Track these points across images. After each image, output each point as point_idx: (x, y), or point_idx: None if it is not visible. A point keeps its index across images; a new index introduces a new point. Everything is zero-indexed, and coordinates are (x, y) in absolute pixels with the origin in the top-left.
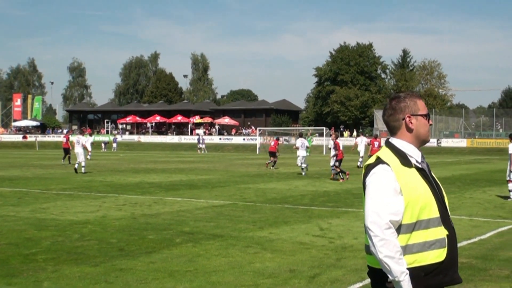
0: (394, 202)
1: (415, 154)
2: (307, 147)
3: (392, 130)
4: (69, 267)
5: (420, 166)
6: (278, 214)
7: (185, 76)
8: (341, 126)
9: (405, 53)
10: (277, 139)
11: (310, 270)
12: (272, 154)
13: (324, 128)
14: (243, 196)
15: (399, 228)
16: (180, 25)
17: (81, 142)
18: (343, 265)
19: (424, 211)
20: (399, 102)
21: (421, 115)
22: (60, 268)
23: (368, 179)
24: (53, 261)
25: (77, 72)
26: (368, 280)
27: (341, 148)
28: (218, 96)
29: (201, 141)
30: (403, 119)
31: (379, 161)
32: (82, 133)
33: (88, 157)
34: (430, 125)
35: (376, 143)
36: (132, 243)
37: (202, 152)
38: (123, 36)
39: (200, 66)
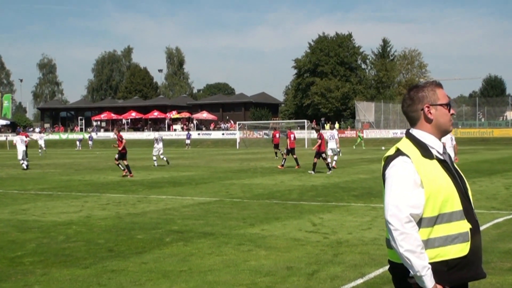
0: (415, 195)
1: (436, 145)
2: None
3: (412, 121)
4: (58, 269)
5: (441, 157)
6: (268, 210)
7: (160, 70)
8: (322, 119)
9: (385, 43)
10: (290, 130)
11: (307, 267)
12: (292, 150)
13: (305, 121)
14: (229, 193)
15: (420, 222)
16: (152, 18)
17: (19, 140)
18: (341, 261)
19: (446, 204)
20: (418, 91)
21: (440, 105)
22: (49, 271)
23: (387, 172)
24: (41, 264)
25: (47, 68)
26: (368, 276)
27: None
28: (195, 91)
29: (189, 136)
30: (422, 109)
31: (398, 152)
32: (19, 133)
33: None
34: (452, 114)
35: (292, 136)
36: (121, 244)
37: (187, 148)
38: (95, 31)
39: (175, 60)
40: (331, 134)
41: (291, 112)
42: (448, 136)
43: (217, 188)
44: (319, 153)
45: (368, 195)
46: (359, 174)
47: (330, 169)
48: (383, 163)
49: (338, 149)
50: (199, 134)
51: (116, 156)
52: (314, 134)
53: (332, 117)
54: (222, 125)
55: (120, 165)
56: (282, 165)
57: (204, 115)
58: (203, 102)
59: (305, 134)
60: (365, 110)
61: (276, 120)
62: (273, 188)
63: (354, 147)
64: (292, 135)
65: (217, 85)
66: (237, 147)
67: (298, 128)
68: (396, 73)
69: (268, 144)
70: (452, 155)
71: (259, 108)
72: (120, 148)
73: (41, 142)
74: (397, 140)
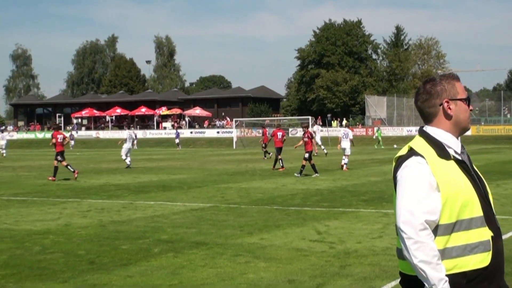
0: (430, 199)
1: (453, 144)
2: (350, 140)
3: (427, 118)
4: (33, 284)
5: (459, 157)
6: (268, 217)
7: (148, 62)
8: (328, 115)
9: (398, 30)
10: (278, 128)
11: (311, 280)
12: (278, 150)
13: (310, 117)
14: (224, 198)
15: (436, 229)
16: (140, 4)
17: None
18: (348, 273)
19: (465, 210)
20: (435, 85)
21: (460, 100)
22: (23, 286)
23: (399, 173)
24: (13, 277)
25: (22, 60)
26: None
27: (311, 138)
28: (187, 84)
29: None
30: (441, 104)
31: (412, 152)
32: None
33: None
34: (471, 110)
35: (279, 134)
36: (103, 255)
37: (179, 148)
38: (75, 18)
39: (165, 51)
40: (345, 133)
41: (294, 108)
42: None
43: (212, 193)
44: (309, 153)
45: (379, 200)
46: (369, 176)
47: (316, 171)
48: (394, 164)
49: (348, 152)
50: (191, 132)
51: (58, 157)
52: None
53: (339, 113)
54: (217, 123)
55: (69, 167)
56: (282, 166)
57: (197, 111)
58: (196, 97)
59: None
60: (376, 105)
61: (277, 116)
62: (273, 192)
63: (375, 146)
64: (279, 133)
65: (212, 78)
66: (234, 146)
67: (302, 126)
68: (410, 64)
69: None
70: None
71: (258, 104)
72: (57, 148)
73: (2, 143)
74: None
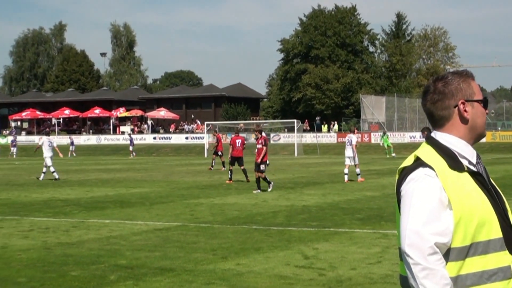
0: (441, 218)
1: (468, 154)
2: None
3: (438, 122)
4: None
5: (475, 169)
6: (245, 238)
7: (103, 54)
8: (317, 118)
9: (399, 19)
10: (236, 135)
11: None
12: (239, 160)
13: (295, 120)
14: (194, 216)
15: (448, 254)
16: None
17: None
18: None
19: (481, 230)
20: (449, 83)
21: (477, 101)
22: None
23: (404, 188)
24: None
25: None
26: None
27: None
28: (149, 81)
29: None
30: (455, 106)
31: (419, 163)
32: None
33: None
34: (487, 113)
35: (238, 141)
36: (49, 283)
37: (132, 156)
38: (15, 3)
39: (124, 41)
40: (349, 139)
41: (276, 110)
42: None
43: (179, 210)
44: (262, 163)
45: (378, 219)
46: (365, 190)
47: (269, 182)
48: (397, 176)
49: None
50: (155, 138)
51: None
52: (307, 139)
53: (330, 116)
54: (186, 127)
55: None
56: (230, 179)
57: (162, 113)
58: (160, 97)
59: (295, 138)
60: (373, 106)
61: (256, 119)
62: (252, 209)
63: (387, 155)
64: (238, 141)
65: (179, 74)
66: (205, 155)
67: (286, 130)
68: (414, 58)
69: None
70: None
71: (235, 104)
72: None
73: None
74: (416, 146)
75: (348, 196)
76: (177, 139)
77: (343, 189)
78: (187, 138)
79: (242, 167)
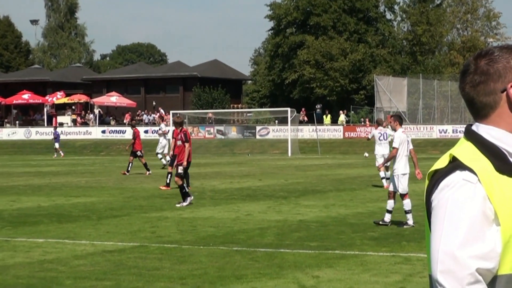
0: (485, 237)
1: None
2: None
3: (480, 111)
4: None
5: None
6: (224, 263)
7: (35, 22)
8: (317, 106)
9: None
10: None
11: None
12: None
13: (289, 109)
14: (156, 233)
15: (494, 283)
16: None
17: None
18: None
19: None
20: (495, 60)
21: None
22: None
23: (436, 197)
24: None
25: None
26: None
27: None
28: (97, 57)
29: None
30: (503, 90)
31: (456, 165)
32: None
33: None
34: None
35: (180, 139)
36: None
37: (56, 155)
38: None
39: (62, 4)
40: (381, 133)
41: (264, 95)
42: (402, 136)
43: (137, 225)
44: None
45: (397, 238)
46: (380, 201)
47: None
48: (427, 182)
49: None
50: (104, 132)
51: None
52: (304, 133)
53: (334, 104)
54: (145, 117)
55: None
56: (168, 185)
57: (114, 99)
58: (111, 77)
59: (288, 132)
60: (391, 91)
61: (238, 107)
62: (232, 225)
63: None
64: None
65: (136, 47)
66: (170, 153)
67: (276, 121)
68: (445, 28)
69: (223, 149)
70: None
71: (209, 88)
72: None
73: None
74: (447, 143)
75: (359, 209)
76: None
77: (351, 199)
78: (146, 132)
79: (170, 169)
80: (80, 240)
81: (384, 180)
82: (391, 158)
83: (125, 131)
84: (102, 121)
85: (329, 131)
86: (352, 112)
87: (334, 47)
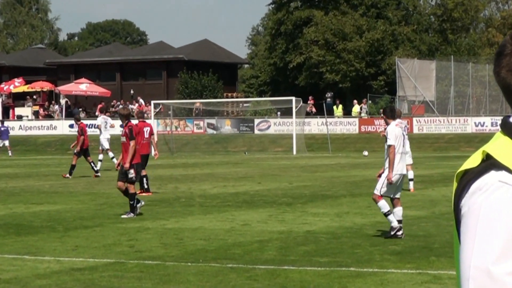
0: None
1: None
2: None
3: None
4: None
5: None
6: (216, 282)
7: None
8: (328, 94)
9: None
10: (142, 120)
11: None
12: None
13: (293, 99)
14: (135, 248)
15: None
16: None
17: None
18: None
19: None
20: None
21: None
22: None
23: (466, 203)
24: None
25: None
26: None
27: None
28: (63, 37)
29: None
30: None
31: (490, 164)
32: None
33: None
34: None
35: (146, 130)
36: None
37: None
38: None
39: None
40: (401, 126)
41: (264, 82)
42: (396, 129)
43: (111, 238)
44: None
45: (424, 252)
46: (404, 208)
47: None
48: (456, 184)
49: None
50: (72, 126)
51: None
52: (312, 127)
53: (347, 92)
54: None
55: None
56: (146, 190)
57: (83, 87)
58: (80, 61)
59: (293, 126)
60: (416, 76)
61: (233, 97)
62: (227, 237)
63: None
64: (147, 129)
65: (110, 25)
66: (152, 152)
67: (278, 113)
68: (482, 2)
69: (215, 147)
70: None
71: (198, 73)
72: None
73: None
74: (485, 138)
75: (378, 217)
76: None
77: (369, 206)
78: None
79: (143, 172)
80: (43, 256)
81: (411, 183)
82: (394, 160)
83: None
84: (70, 114)
85: (342, 124)
86: (370, 101)
87: (347, 24)
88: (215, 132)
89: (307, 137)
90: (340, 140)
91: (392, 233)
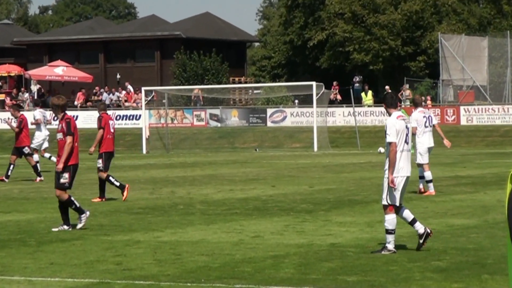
0: None
1: None
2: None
3: None
4: None
5: None
6: None
7: None
8: (356, 78)
9: None
10: (104, 112)
11: None
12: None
13: (314, 84)
14: (124, 265)
15: None
16: None
17: None
18: None
19: None
20: None
21: None
22: None
23: None
24: None
25: None
26: None
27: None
28: (34, 10)
29: None
30: None
31: None
32: None
33: None
34: None
35: (112, 124)
36: None
37: None
38: None
39: None
40: (426, 116)
41: (278, 63)
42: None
43: (95, 254)
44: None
45: (475, 269)
46: (448, 216)
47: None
48: (509, 187)
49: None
50: (45, 119)
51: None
52: (337, 118)
53: (380, 75)
54: (105, 96)
55: None
56: (102, 197)
57: (59, 70)
58: (55, 39)
59: (314, 117)
60: (464, 56)
61: (241, 81)
62: (234, 252)
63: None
64: (112, 123)
65: None
66: (144, 150)
67: (296, 102)
68: None
69: (219, 142)
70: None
71: (199, 54)
72: None
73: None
74: None
75: (406, 228)
76: (89, 119)
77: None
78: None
79: (105, 174)
80: (11, 276)
81: (430, 185)
82: (394, 160)
83: (77, 116)
84: (43, 103)
85: (373, 114)
86: (408, 86)
87: None
88: (219, 124)
89: (330, 130)
90: (370, 133)
91: (383, 252)
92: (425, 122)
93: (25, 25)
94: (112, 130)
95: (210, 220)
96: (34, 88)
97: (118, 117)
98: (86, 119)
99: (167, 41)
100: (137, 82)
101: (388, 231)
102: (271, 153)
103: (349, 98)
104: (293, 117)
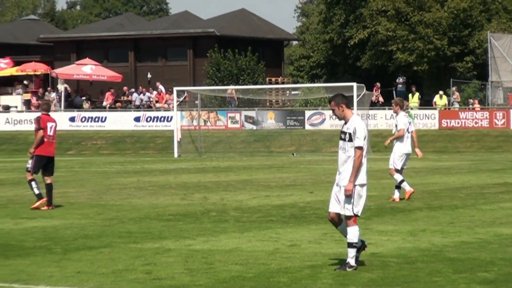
0: None
1: None
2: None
3: None
4: None
5: None
6: None
7: None
8: (399, 79)
9: None
10: (46, 114)
11: None
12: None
13: (355, 85)
14: (153, 274)
15: None
16: None
17: None
18: None
19: None
20: None
21: None
22: None
23: None
24: None
25: None
26: None
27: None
28: (61, 5)
29: None
30: None
31: None
32: None
33: None
34: None
35: (51, 127)
36: None
37: None
38: None
39: None
40: (409, 121)
41: (317, 63)
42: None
43: (123, 262)
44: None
45: None
46: (497, 225)
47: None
48: None
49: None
50: (72, 120)
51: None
52: (379, 121)
53: (425, 76)
54: (136, 96)
55: None
56: (49, 205)
57: (88, 69)
58: (83, 36)
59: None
60: None
61: (278, 82)
62: (269, 261)
63: None
64: (52, 125)
65: None
66: (175, 153)
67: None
68: None
69: (254, 146)
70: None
71: (234, 52)
72: None
73: None
74: None
75: (463, 236)
76: (118, 121)
77: (452, 223)
78: (138, 119)
79: (48, 181)
80: (36, 285)
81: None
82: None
83: (106, 118)
84: (71, 104)
85: (418, 118)
86: (454, 89)
87: None
88: (254, 127)
89: (372, 134)
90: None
91: (347, 269)
92: (408, 127)
93: (52, 21)
94: (50, 133)
95: (244, 227)
96: (61, 87)
97: (148, 119)
98: (116, 121)
99: (200, 39)
100: (168, 82)
101: (351, 245)
102: (309, 157)
103: (391, 99)
104: (332, 120)
